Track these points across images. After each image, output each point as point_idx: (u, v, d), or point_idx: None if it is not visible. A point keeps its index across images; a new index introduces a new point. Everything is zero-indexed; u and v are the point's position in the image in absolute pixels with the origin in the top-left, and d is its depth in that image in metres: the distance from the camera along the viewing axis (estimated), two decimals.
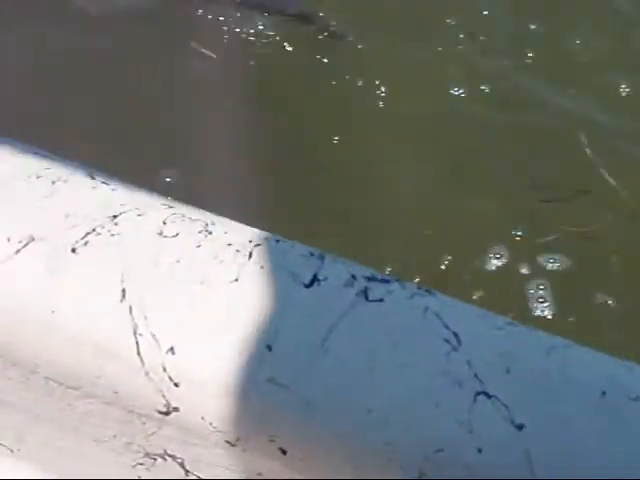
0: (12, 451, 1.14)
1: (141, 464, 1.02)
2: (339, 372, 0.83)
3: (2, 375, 0.94)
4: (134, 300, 0.84)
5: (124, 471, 1.05)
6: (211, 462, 0.92)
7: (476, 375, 0.83)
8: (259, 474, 0.89)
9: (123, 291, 0.85)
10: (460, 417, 0.80)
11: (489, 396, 0.82)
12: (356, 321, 0.87)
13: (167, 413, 0.85)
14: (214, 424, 0.83)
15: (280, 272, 0.90)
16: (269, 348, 0.83)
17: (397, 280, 0.95)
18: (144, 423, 0.90)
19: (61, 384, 0.88)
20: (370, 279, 0.92)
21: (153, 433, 0.91)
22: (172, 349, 0.83)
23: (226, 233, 0.93)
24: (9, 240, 0.86)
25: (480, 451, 0.79)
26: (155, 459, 0.98)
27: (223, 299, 0.86)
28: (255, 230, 0.97)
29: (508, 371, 0.84)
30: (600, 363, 0.89)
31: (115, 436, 0.96)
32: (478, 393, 0.82)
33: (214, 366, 0.82)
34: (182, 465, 0.96)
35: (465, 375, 0.83)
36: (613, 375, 0.87)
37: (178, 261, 0.88)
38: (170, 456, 0.96)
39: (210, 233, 0.93)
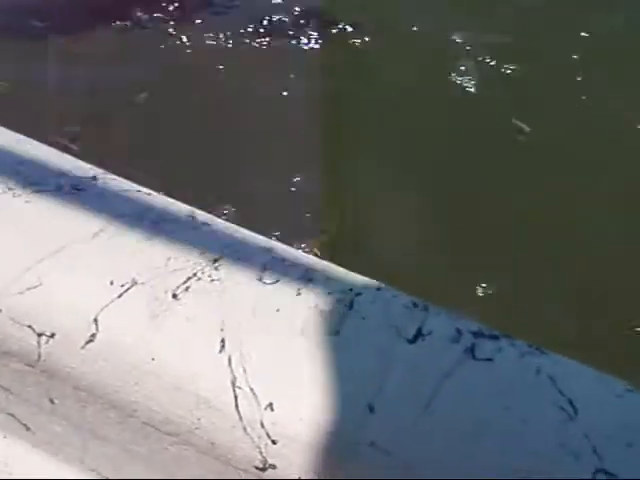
0: None
1: None
2: (443, 437, 0.78)
3: (102, 414, 0.94)
4: (233, 351, 0.82)
5: None
6: None
7: (595, 450, 0.77)
8: None
9: (222, 341, 0.83)
10: None
11: (610, 474, 0.76)
12: (463, 381, 0.82)
13: (264, 469, 0.82)
14: None
15: (382, 325, 0.86)
16: (371, 409, 0.79)
17: (506, 336, 0.89)
18: (240, 476, 0.88)
19: (158, 430, 0.87)
20: (477, 334, 0.87)
21: None
22: (271, 405, 0.80)
23: (327, 280, 0.90)
24: (112, 284, 0.86)
25: None
26: None
27: (324, 354, 0.83)
28: (357, 276, 0.94)
29: (630, 445, 0.77)
30: None
31: None
32: (597, 470, 0.76)
33: (314, 425, 0.79)
34: None
35: (583, 448, 0.77)
36: None
37: (278, 310, 0.86)
38: None
39: (310, 280, 0.90)
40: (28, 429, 0.99)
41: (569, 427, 0.78)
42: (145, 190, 0.99)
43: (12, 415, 0.99)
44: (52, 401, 0.93)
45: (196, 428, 0.83)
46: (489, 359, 0.84)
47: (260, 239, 0.95)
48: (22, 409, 0.98)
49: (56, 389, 0.91)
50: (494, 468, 0.76)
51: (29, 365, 0.90)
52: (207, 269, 0.89)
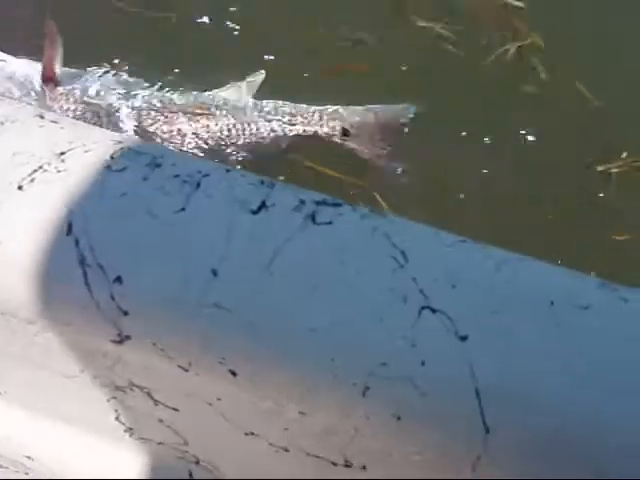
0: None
1: (114, 397, 1.05)
2: (283, 293, 0.84)
3: None
4: (80, 233, 0.86)
5: (102, 405, 1.08)
6: (172, 390, 0.94)
7: (421, 291, 0.84)
8: (219, 398, 0.92)
9: (69, 224, 0.86)
10: (404, 332, 0.81)
11: (434, 310, 0.83)
12: (302, 244, 0.87)
13: (120, 342, 0.87)
14: (165, 350, 0.85)
15: (227, 200, 0.90)
16: (214, 273, 0.84)
17: (349, 204, 0.95)
18: (104, 356, 0.92)
19: (19, 319, 0.90)
20: (320, 203, 0.92)
21: (114, 364, 0.93)
22: (119, 278, 0.84)
23: (174, 165, 0.93)
24: None
25: (423, 364, 0.80)
26: (125, 391, 1.01)
27: (168, 228, 0.87)
28: (206, 161, 0.98)
29: (454, 286, 0.84)
30: (552, 275, 0.88)
31: (82, 371, 0.99)
32: (423, 308, 0.83)
33: (160, 293, 0.84)
34: (150, 395, 0.99)
35: (410, 291, 0.84)
36: (565, 286, 0.87)
37: (124, 194, 0.89)
38: (137, 386, 0.98)
39: (158, 166, 0.93)
40: None
41: (399, 274, 0.85)
42: None
43: None
44: None
45: (50, 309, 0.87)
46: (329, 222, 0.89)
47: (108, 133, 0.97)
48: None
49: None
50: (329, 314, 0.83)
51: None
52: (53, 161, 0.91)
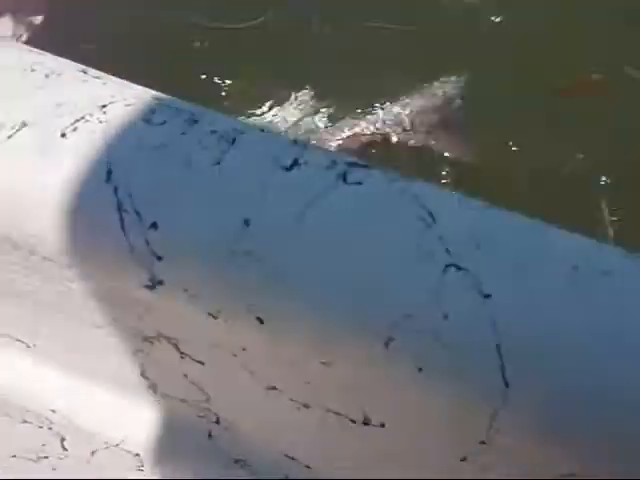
0: (29, 347, 1.22)
1: (141, 350, 1.08)
2: (313, 245, 0.86)
3: (8, 261, 1.00)
4: (119, 180, 0.89)
5: (128, 359, 1.11)
6: (199, 340, 0.97)
7: (447, 249, 0.86)
8: (244, 349, 0.94)
9: (109, 172, 0.89)
10: (429, 286, 0.83)
11: (459, 268, 0.85)
12: (333, 200, 0.89)
13: (153, 287, 0.90)
14: (196, 296, 0.88)
15: (261, 156, 0.93)
16: (247, 223, 0.87)
17: (380, 168, 0.97)
18: (136, 302, 0.95)
19: (57, 263, 0.93)
20: (351, 164, 0.94)
21: (145, 313, 0.96)
22: (155, 224, 0.87)
23: (211, 122, 0.96)
24: (2, 126, 0.91)
25: (446, 317, 0.82)
26: (152, 342, 1.04)
27: (204, 180, 0.89)
28: (242, 121, 1.00)
29: (479, 246, 0.86)
30: (576, 242, 0.90)
31: (114, 320, 1.02)
32: (448, 265, 0.85)
33: (194, 239, 0.87)
34: (177, 347, 1.02)
35: (437, 249, 0.86)
36: (588, 253, 0.88)
37: (163, 145, 0.92)
38: (165, 337, 1.01)
39: (196, 122, 0.96)
40: None
41: (426, 233, 0.87)
42: (38, 50, 1.03)
43: None
44: None
45: (88, 251, 0.90)
46: (359, 182, 0.92)
47: (149, 91, 1.00)
48: None
49: None
50: (355, 267, 0.85)
51: None
52: (95, 113, 0.94)
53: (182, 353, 1.02)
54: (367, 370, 0.86)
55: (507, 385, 0.80)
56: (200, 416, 1.16)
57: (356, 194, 0.91)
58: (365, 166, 0.95)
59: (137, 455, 1.23)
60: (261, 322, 0.87)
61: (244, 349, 0.94)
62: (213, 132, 0.94)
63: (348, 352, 0.86)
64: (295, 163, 0.92)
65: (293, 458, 1.13)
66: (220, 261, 0.86)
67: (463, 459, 0.91)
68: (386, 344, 0.83)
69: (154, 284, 0.89)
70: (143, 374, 1.13)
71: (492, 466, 0.90)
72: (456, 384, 0.82)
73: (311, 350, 0.88)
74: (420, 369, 0.82)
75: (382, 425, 0.94)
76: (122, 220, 0.87)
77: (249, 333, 0.89)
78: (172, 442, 1.22)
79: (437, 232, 0.87)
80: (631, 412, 0.78)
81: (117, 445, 1.23)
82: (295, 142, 0.96)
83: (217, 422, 1.16)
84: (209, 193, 0.88)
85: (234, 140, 0.94)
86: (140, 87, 1.02)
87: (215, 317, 0.89)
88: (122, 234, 0.87)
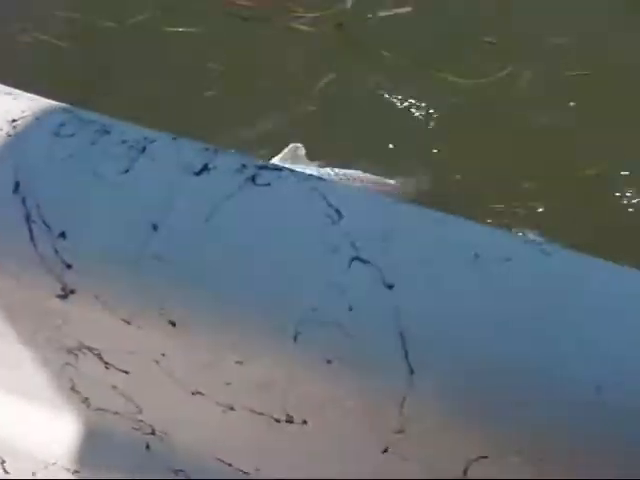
0: None
1: (68, 364, 1.08)
2: (221, 245, 0.88)
3: None
4: (27, 192, 0.90)
5: (57, 375, 1.11)
6: (119, 347, 0.97)
7: (353, 244, 0.88)
8: (163, 354, 0.95)
9: (17, 184, 0.90)
10: (334, 280, 0.85)
11: (363, 261, 0.87)
12: (241, 201, 0.91)
13: (65, 296, 0.90)
14: (107, 302, 0.89)
15: (171, 163, 0.94)
16: (155, 227, 0.88)
17: (290, 169, 0.99)
18: (53, 313, 0.95)
19: None
20: (261, 167, 0.96)
21: (63, 324, 0.97)
22: (63, 234, 0.88)
23: (122, 132, 0.98)
24: None
25: (351, 309, 0.83)
26: (76, 354, 1.04)
27: (112, 188, 0.91)
28: (154, 131, 1.02)
29: (384, 240, 0.89)
30: (479, 231, 0.93)
31: (35, 333, 1.02)
32: (353, 259, 0.87)
33: (103, 245, 0.88)
34: (100, 357, 1.02)
35: (342, 244, 0.88)
36: (490, 241, 0.91)
37: (71, 156, 0.93)
38: (87, 348, 1.02)
39: (107, 132, 0.97)
40: None
41: (332, 229, 0.89)
42: None
43: None
44: None
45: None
46: (268, 184, 0.94)
47: (60, 105, 1.02)
48: None
49: None
50: (262, 264, 0.86)
51: None
52: (5, 127, 0.95)
53: (106, 363, 1.03)
54: (280, 366, 0.88)
55: (412, 371, 0.81)
56: (135, 428, 1.16)
57: (265, 195, 0.92)
58: (276, 168, 0.97)
59: (77, 472, 1.23)
60: (173, 325, 0.88)
61: (163, 354, 0.95)
62: (123, 142, 0.96)
63: (259, 349, 0.87)
64: (205, 168, 0.94)
65: (230, 464, 1.13)
66: (129, 266, 0.87)
67: (385, 450, 0.93)
68: (295, 338, 0.84)
69: (66, 293, 0.90)
70: (73, 388, 1.13)
71: (411, 456, 0.91)
72: (364, 374, 0.84)
73: (225, 350, 0.89)
74: (329, 361, 0.84)
75: (305, 422, 0.96)
76: (31, 230, 0.88)
77: (164, 338, 0.90)
78: (110, 457, 1.21)
79: (343, 228, 0.89)
80: (532, 392, 0.80)
81: (55, 464, 1.23)
82: (207, 149, 0.98)
83: (153, 433, 1.16)
84: (117, 201, 0.90)
85: (144, 149, 0.95)
86: (52, 101, 1.03)
87: (129, 323, 0.90)
88: (31, 244, 0.88)
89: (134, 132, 0.98)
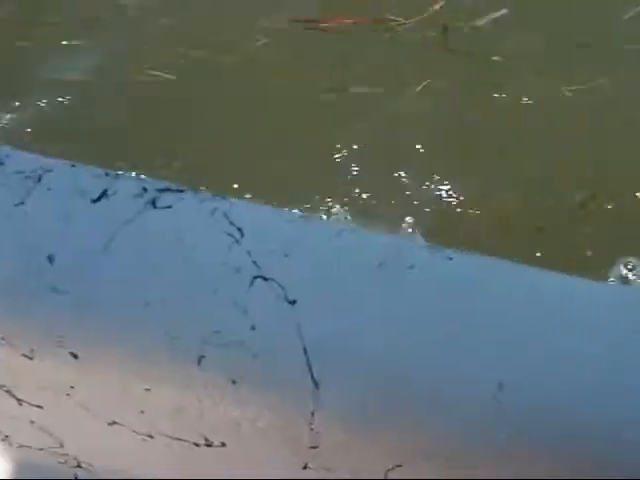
0: None
1: None
2: (120, 272, 0.86)
3: None
4: None
5: None
6: (27, 383, 0.95)
7: (255, 262, 0.87)
8: (72, 387, 0.93)
9: None
10: (236, 300, 0.84)
11: (266, 279, 0.86)
12: (141, 226, 0.90)
13: None
14: (6, 338, 0.86)
15: (68, 192, 0.93)
16: (50, 259, 0.86)
17: (193, 190, 0.98)
18: None
19: None
20: (162, 190, 0.95)
21: None
22: None
23: (17, 163, 0.96)
24: None
25: (254, 328, 0.83)
26: None
27: (7, 220, 0.89)
28: (52, 160, 1.00)
29: (287, 255, 0.88)
30: (382, 240, 0.93)
31: None
32: (255, 277, 0.86)
33: None
34: (12, 394, 1.00)
35: (244, 263, 0.87)
36: (394, 249, 0.91)
37: None
38: None
39: (1, 164, 0.95)
40: None
41: (234, 248, 0.88)
42: None
43: None
44: None
45: None
46: (169, 207, 0.92)
47: None
48: None
49: None
50: (163, 289, 0.85)
51: None
52: None
53: (19, 400, 1.00)
54: (188, 390, 0.86)
55: (317, 386, 0.81)
56: (61, 462, 1.14)
57: (165, 218, 0.91)
58: (178, 190, 0.96)
59: None
60: (75, 357, 0.86)
61: (72, 387, 0.93)
62: (19, 172, 0.94)
63: (165, 374, 0.86)
64: (104, 194, 0.93)
65: None
66: (26, 300, 0.85)
67: (305, 467, 0.92)
68: (199, 361, 0.83)
69: None
70: None
71: (334, 466, 0.91)
72: (271, 392, 0.83)
73: (131, 378, 0.87)
74: (234, 382, 0.83)
75: (223, 444, 0.94)
76: None
77: (69, 370, 0.88)
78: None
79: (245, 246, 0.89)
80: (436, 394, 0.81)
81: None
82: (107, 174, 0.97)
83: (79, 466, 1.14)
84: (12, 233, 0.88)
85: (40, 178, 0.93)
86: None
87: (31, 358, 0.88)
88: None
89: (30, 161, 0.96)
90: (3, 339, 0.86)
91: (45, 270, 0.85)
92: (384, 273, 0.87)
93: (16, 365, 0.90)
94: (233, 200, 0.98)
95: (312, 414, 0.82)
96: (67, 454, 1.12)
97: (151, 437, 0.99)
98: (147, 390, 0.88)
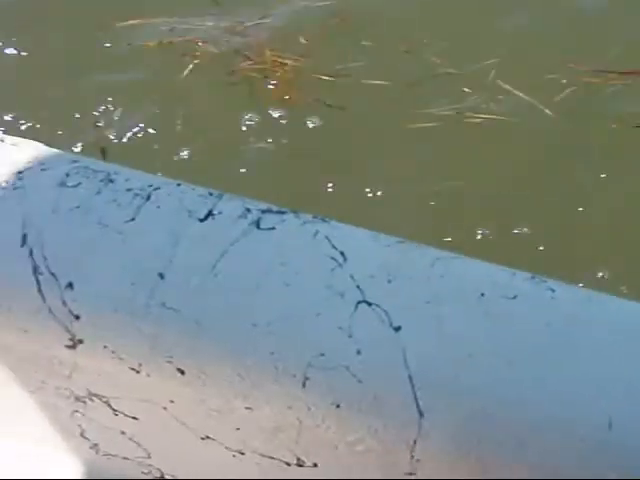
0: None
1: (76, 411, 1.08)
2: (227, 292, 0.88)
3: None
4: (34, 244, 0.90)
5: (66, 422, 1.11)
6: (128, 395, 0.97)
7: (358, 286, 0.88)
8: (172, 401, 0.95)
9: (24, 236, 0.91)
10: (341, 324, 0.85)
11: (369, 304, 0.87)
12: (246, 247, 0.92)
13: (74, 346, 0.90)
14: (115, 352, 0.89)
15: (176, 210, 0.95)
16: (161, 276, 0.89)
17: (293, 211, 1.00)
18: (61, 363, 0.96)
19: None
20: (265, 211, 0.97)
21: (72, 372, 0.97)
22: (71, 284, 0.89)
23: (127, 180, 0.99)
24: None
25: (359, 352, 0.84)
26: (85, 402, 1.04)
27: (118, 236, 0.91)
28: (158, 177, 1.03)
29: (390, 281, 0.89)
30: (483, 269, 0.93)
31: (44, 382, 1.03)
32: (359, 302, 0.87)
33: (110, 295, 0.88)
34: (109, 404, 1.02)
35: (348, 287, 0.88)
36: (495, 279, 0.91)
37: (77, 207, 0.94)
38: (96, 396, 1.02)
39: (112, 181, 0.98)
40: None
41: (337, 272, 0.89)
42: None
43: None
44: None
45: (6, 317, 0.91)
46: (272, 228, 0.94)
47: (66, 155, 1.03)
48: None
49: None
50: (269, 311, 0.87)
51: None
52: (11, 180, 0.96)
53: (115, 410, 1.03)
54: (289, 412, 0.87)
55: (422, 415, 0.81)
56: (144, 472, 1.16)
57: (269, 239, 0.93)
58: (280, 212, 0.97)
59: None
60: (182, 373, 0.88)
61: (172, 401, 0.95)
62: (128, 190, 0.97)
63: (268, 395, 0.87)
64: (209, 214, 0.95)
65: None
66: (137, 316, 0.87)
67: None
68: (303, 384, 0.84)
69: (75, 343, 0.90)
70: (83, 435, 1.13)
71: None
72: (373, 417, 0.84)
73: (234, 397, 0.89)
74: (338, 405, 0.84)
75: (315, 465, 0.95)
76: (38, 282, 0.89)
77: (172, 385, 0.90)
78: None
79: (348, 270, 0.90)
80: (534, 427, 0.80)
81: None
82: (211, 194, 0.99)
83: (162, 477, 1.16)
84: (123, 250, 0.90)
85: (149, 196, 0.96)
86: (56, 150, 1.04)
87: (138, 372, 0.90)
88: (39, 296, 0.89)
89: (139, 180, 0.99)
90: (113, 352, 0.89)
91: (156, 286, 0.88)
92: (486, 302, 0.87)
93: (120, 378, 0.93)
94: (333, 222, 0.99)
95: (415, 442, 0.83)
96: (152, 465, 1.14)
97: (242, 454, 1.00)
98: (248, 409, 0.89)
